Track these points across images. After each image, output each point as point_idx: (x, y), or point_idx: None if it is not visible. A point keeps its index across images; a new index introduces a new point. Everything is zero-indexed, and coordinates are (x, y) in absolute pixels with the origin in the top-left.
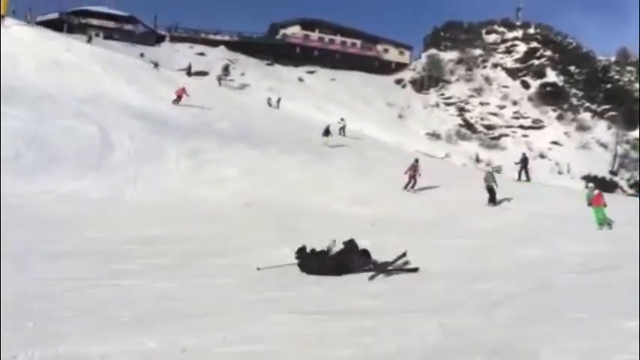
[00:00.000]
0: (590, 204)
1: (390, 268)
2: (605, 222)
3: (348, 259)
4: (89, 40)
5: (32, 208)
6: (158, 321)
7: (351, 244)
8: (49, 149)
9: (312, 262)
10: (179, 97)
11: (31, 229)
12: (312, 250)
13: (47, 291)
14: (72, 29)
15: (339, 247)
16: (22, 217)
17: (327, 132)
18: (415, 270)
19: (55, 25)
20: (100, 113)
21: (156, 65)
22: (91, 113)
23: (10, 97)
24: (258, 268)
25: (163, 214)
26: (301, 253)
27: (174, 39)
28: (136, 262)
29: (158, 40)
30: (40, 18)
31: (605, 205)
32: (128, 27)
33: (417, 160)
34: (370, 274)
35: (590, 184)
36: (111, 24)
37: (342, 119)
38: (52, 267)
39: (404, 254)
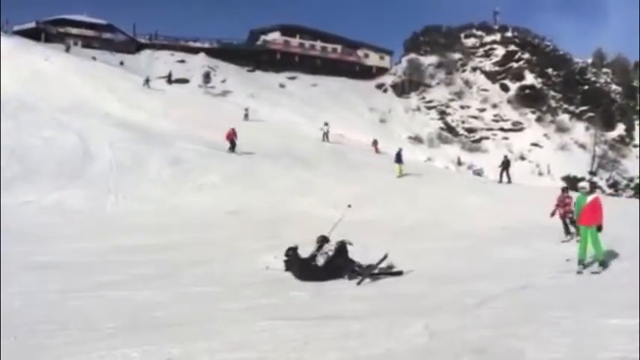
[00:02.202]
0: (578, 219)
1: (375, 272)
2: (598, 257)
3: (337, 264)
4: (67, 49)
5: (13, 219)
6: (142, 331)
7: (342, 246)
8: (30, 160)
9: (301, 267)
10: (232, 142)
11: (12, 241)
12: (300, 258)
13: (30, 304)
14: (50, 39)
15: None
16: (3, 229)
17: (399, 158)
18: (399, 273)
19: (32, 35)
20: (81, 123)
21: (147, 81)
22: (71, 123)
23: None
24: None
25: (146, 223)
26: (291, 253)
27: (154, 46)
28: (119, 273)
29: (138, 48)
30: (16, 27)
31: (600, 227)
32: (107, 35)
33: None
34: (357, 279)
35: (583, 184)
36: (90, 32)
37: (325, 124)
38: (34, 279)
39: (385, 257)
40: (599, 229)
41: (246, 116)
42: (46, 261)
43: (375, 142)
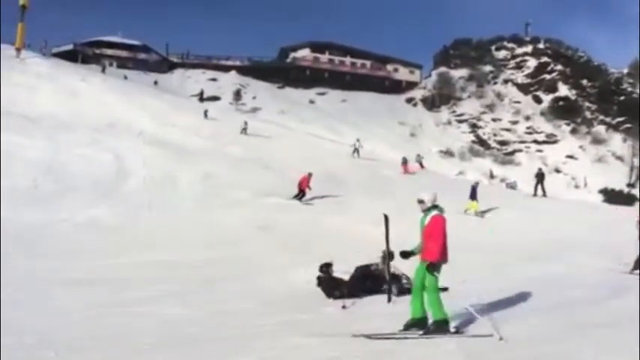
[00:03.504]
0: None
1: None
2: (433, 316)
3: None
4: (103, 70)
5: (49, 237)
6: (178, 347)
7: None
8: (65, 178)
9: (330, 285)
10: (302, 191)
11: (48, 257)
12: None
13: (67, 320)
14: (86, 60)
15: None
16: (39, 247)
17: (474, 193)
18: (445, 289)
19: (69, 57)
20: (115, 141)
21: (206, 113)
22: (106, 141)
23: (27, 128)
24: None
25: (178, 239)
26: (325, 269)
27: (186, 65)
28: (152, 289)
29: (170, 67)
30: (55, 50)
31: (434, 266)
32: (141, 55)
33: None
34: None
35: (422, 195)
36: (124, 53)
37: (357, 140)
38: (70, 295)
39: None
40: (434, 268)
41: (244, 130)
42: (81, 277)
43: (404, 161)
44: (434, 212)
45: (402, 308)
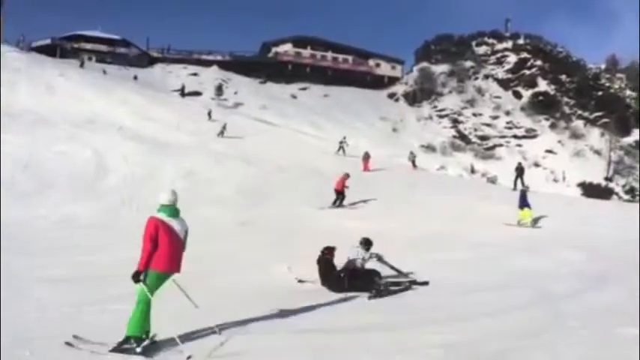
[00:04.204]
0: None
1: (397, 288)
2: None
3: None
4: (82, 65)
5: (27, 233)
6: (160, 345)
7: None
8: (44, 174)
9: (328, 273)
10: (341, 194)
11: (25, 254)
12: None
13: (43, 317)
14: (65, 54)
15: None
16: (18, 243)
17: (524, 200)
18: (426, 283)
19: (48, 51)
20: (94, 137)
21: (223, 129)
22: (85, 137)
23: (5, 123)
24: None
25: None
26: (327, 252)
27: (167, 60)
28: (131, 286)
29: (151, 62)
30: (33, 44)
31: (138, 275)
32: (121, 50)
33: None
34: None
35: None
36: (103, 47)
37: (344, 138)
38: (47, 293)
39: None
40: (138, 277)
41: (222, 133)
42: (58, 274)
43: (366, 156)
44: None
45: (384, 303)
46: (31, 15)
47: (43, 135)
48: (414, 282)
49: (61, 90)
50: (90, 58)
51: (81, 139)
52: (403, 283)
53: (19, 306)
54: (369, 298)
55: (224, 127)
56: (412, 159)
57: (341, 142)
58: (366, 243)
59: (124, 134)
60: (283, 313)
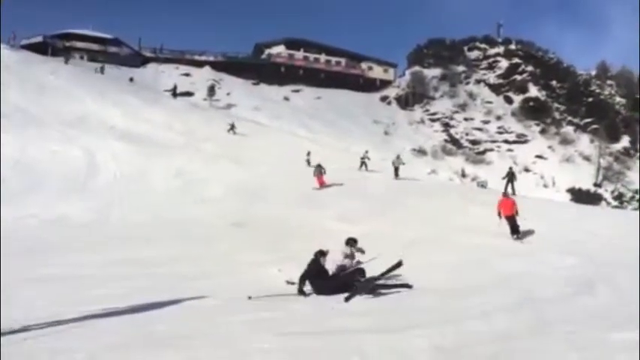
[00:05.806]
0: None
1: (379, 282)
2: None
3: (350, 278)
4: (66, 62)
5: (17, 232)
6: (143, 346)
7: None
8: (34, 173)
9: (318, 282)
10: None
11: (15, 253)
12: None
13: (31, 317)
14: (56, 52)
15: None
16: (7, 243)
17: None
18: (409, 286)
19: (39, 49)
20: (85, 136)
21: (233, 127)
22: (76, 136)
23: None
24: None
25: (149, 235)
26: (319, 255)
27: (159, 60)
28: (121, 286)
29: (143, 61)
30: (24, 42)
31: None
32: (113, 49)
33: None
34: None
35: None
36: (95, 46)
37: (366, 152)
38: (35, 292)
39: (399, 264)
40: None
41: (232, 130)
42: (48, 274)
43: (319, 172)
44: None
45: (373, 305)
46: (21, 12)
47: (33, 134)
48: (400, 285)
49: (52, 88)
50: (82, 57)
51: (72, 138)
52: (387, 284)
53: (6, 305)
54: (346, 300)
55: (233, 125)
56: (397, 165)
57: (362, 158)
58: (352, 241)
59: (114, 134)
60: (271, 316)
